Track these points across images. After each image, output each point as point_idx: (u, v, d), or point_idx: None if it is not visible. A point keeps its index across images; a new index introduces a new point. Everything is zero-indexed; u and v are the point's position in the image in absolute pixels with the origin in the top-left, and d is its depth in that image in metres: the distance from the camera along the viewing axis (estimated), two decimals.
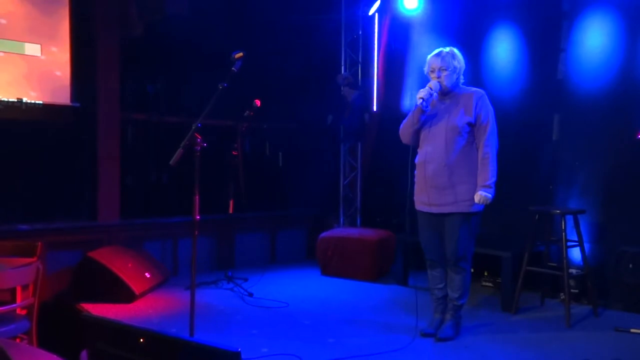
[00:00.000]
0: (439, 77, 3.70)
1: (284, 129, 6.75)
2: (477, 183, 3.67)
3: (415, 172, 3.88)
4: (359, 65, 6.94)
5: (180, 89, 5.85)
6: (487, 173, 3.64)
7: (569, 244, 4.34)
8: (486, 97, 3.76)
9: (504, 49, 5.52)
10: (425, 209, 3.82)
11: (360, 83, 6.88)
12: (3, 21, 4.93)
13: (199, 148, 3.42)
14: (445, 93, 3.76)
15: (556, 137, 5.20)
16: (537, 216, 4.49)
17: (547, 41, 5.22)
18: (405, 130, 3.85)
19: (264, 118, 6.04)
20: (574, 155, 5.03)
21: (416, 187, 3.89)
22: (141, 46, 5.67)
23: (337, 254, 5.75)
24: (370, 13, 6.73)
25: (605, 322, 4.28)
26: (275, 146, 6.79)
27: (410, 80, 6.42)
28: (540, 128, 5.28)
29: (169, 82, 5.94)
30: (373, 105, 6.83)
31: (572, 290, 4.49)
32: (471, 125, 3.70)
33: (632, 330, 4.00)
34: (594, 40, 4.89)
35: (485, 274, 5.33)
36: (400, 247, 5.48)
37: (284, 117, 6.62)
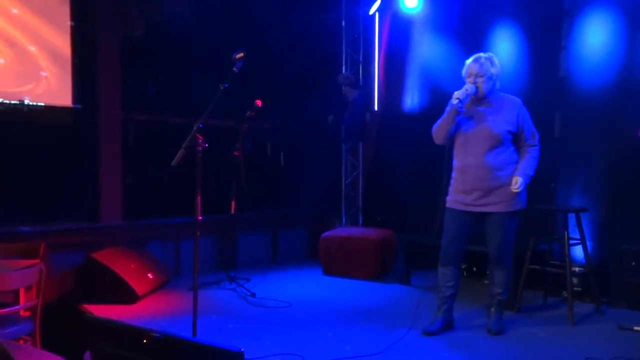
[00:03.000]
0: (475, 82, 3.73)
1: (285, 129, 6.75)
2: (519, 168, 3.78)
3: (454, 175, 3.89)
4: (360, 65, 6.94)
5: (181, 89, 5.84)
6: (533, 165, 3.81)
7: (571, 242, 4.33)
8: (523, 105, 3.87)
9: (505, 47, 5.50)
10: (463, 207, 3.83)
11: (361, 82, 6.88)
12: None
13: (200, 149, 3.42)
14: (481, 98, 3.79)
15: (558, 135, 5.19)
16: (539, 214, 4.49)
17: (548, 39, 5.21)
18: (440, 132, 3.86)
19: (265, 118, 6.04)
20: (576, 153, 5.03)
21: (455, 189, 3.88)
22: (142, 46, 5.67)
23: (339, 253, 5.75)
24: (371, 12, 6.73)
25: (608, 320, 4.28)
26: (276, 146, 6.78)
27: (411, 80, 6.40)
28: (541, 126, 5.21)
29: (170, 82, 5.94)
30: (374, 104, 6.83)
31: (574, 289, 4.48)
32: (512, 134, 3.78)
33: (635, 328, 4.00)
34: (595, 37, 4.89)
35: (487, 272, 5.31)
36: (403, 246, 5.48)
37: (285, 117, 6.62)
